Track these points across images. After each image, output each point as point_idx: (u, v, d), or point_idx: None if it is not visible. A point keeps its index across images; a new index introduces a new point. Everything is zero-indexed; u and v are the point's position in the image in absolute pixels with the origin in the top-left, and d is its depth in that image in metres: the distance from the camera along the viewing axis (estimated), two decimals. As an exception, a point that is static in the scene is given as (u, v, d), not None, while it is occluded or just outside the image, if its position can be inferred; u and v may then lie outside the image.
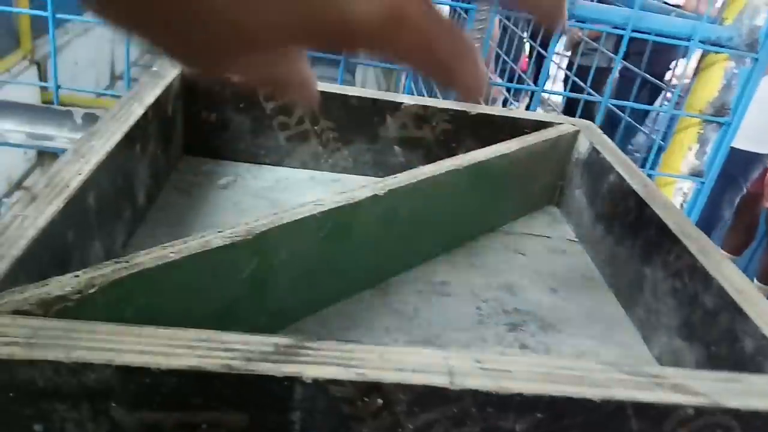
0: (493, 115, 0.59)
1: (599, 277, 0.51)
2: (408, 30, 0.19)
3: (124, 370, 0.24)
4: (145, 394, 0.24)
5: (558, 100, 3.45)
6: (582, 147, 0.57)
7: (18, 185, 2.51)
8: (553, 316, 0.45)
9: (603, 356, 0.42)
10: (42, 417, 0.25)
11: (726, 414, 0.27)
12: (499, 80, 1.00)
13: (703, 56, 0.82)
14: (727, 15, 0.81)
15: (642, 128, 1.06)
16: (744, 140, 1.46)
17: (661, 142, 0.83)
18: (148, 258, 0.30)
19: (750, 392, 0.28)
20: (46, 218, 0.31)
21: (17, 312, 0.26)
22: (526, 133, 0.57)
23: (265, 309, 0.37)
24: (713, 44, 0.77)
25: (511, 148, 0.51)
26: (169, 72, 0.52)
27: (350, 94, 0.57)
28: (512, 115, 0.59)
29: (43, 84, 2.47)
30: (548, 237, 0.56)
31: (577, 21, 0.73)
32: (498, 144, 0.51)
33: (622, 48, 0.77)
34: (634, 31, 0.72)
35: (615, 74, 0.85)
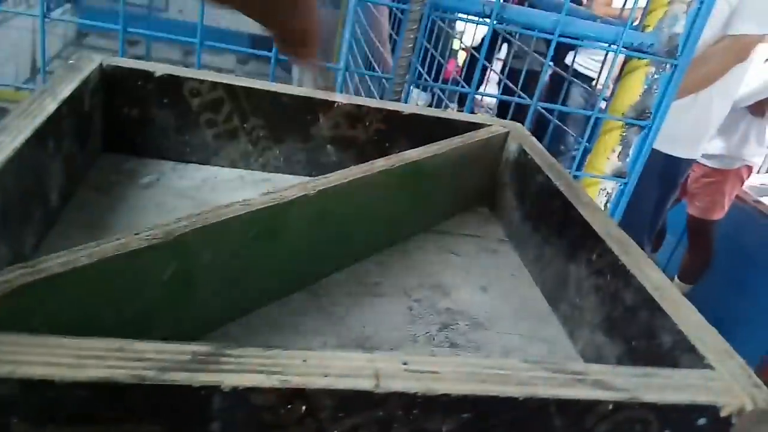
0: (426, 116, 0.59)
1: (527, 275, 0.51)
2: None
3: (26, 383, 0.22)
4: (49, 408, 0.23)
5: (491, 102, 3.54)
6: (511, 148, 0.58)
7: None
8: (483, 314, 0.46)
9: (530, 353, 0.43)
10: (-68, 437, 0.23)
11: (644, 408, 0.28)
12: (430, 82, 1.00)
13: (626, 61, 0.86)
14: (649, 22, 0.84)
15: (568, 130, 1.09)
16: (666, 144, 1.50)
17: (587, 144, 0.86)
18: (56, 263, 0.28)
19: (666, 386, 0.29)
20: (-59, 220, 0.28)
21: None
22: (459, 134, 0.58)
23: (187, 315, 0.36)
24: (635, 50, 0.80)
25: (442, 148, 0.51)
26: (86, 65, 0.50)
27: (281, 91, 0.55)
28: (445, 116, 0.59)
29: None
30: (479, 237, 0.56)
31: (506, 24, 0.75)
32: (429, 144, 0.51)
33: (550, 52, 0.79)
34: (561, 35, 0.74)
35: (545, 78, 0.87)
